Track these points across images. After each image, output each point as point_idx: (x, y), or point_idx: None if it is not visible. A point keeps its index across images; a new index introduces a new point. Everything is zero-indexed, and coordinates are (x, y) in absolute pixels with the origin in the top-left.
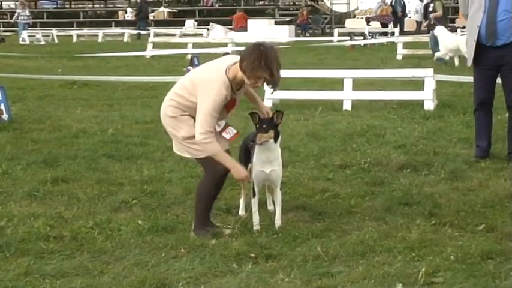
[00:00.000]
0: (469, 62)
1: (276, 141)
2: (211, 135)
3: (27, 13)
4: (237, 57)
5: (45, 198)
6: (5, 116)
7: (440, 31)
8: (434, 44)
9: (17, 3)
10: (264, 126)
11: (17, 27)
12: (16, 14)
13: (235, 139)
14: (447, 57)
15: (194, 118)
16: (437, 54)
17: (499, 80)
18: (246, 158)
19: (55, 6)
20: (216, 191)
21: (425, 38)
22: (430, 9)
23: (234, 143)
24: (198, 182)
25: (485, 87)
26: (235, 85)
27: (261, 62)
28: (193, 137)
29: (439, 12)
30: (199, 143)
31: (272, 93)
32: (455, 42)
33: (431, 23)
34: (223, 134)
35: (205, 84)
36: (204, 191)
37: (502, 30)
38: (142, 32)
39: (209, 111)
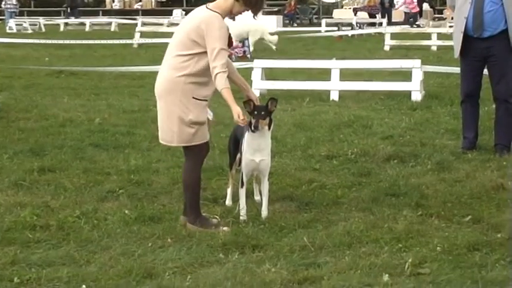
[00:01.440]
0: (456, 54)
1: (269, 128)
2: (226, 69)
3: (14, 2)
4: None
5: (31, 187)
6: None
7: None
8: None
9: None
10: (262, 112)
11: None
12: (3, 2)
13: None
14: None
15: (203, 99)
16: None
17: (485, 72)
18: (235, 147)
19: None
20: (200, 177)
21: (412, 29)
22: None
23: (221, 133)
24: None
25: (471, 78)
26: (223, 18)
27: None
28: (199, 122)
29: None
30: (218, 73)
31: (254, 17)
32: (237, 28)
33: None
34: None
35: (206, 29)
36: (193, 180)
37: (488, 22)
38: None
39: (220, 47)
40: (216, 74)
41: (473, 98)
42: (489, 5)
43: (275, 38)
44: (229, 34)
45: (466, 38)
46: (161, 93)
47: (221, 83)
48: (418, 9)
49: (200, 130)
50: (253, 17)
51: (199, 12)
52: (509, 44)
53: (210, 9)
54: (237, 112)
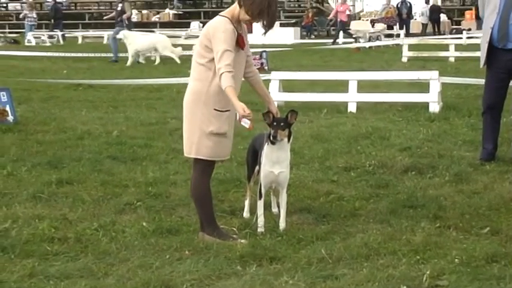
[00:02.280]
0: (482, 64)
1: (288, 141)
2: (232, 69)
3: (34, 15)
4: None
5: (49, 200)
6: (10, 118)
7: (126, 34)
8: (113, 42)
9: (23, 4)
10: (281, 124)
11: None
12: (23, 15)
13: (252, 129)
14: (140, 59)
15: (225, 110)
16: (130, 60)
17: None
18: (253, 159)
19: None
20: (210, 189)
21: (431, 40)
22: (119, 8)
23: (238, 145)
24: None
25: (495, 90)
26: (234, 22)
27: (267, 3)
28: (221, 134)
29: (129, 13)
30: (222, 72)
31: (264, 34)
32: (145, 42)
33: (125, 24)
34: (242, 122)
35: (212, 32)
36: (200, 193)
37: None
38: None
39: (224, 48)
40: (221, 73)
41: (495, 109)
42: None
43: (179, 50)
44: (241, 36)
45: (492, 48)
46: (185, 104)
47: (225, 81)
48: (346, 19)
49: (220, 144)
50: (264, 33)
51: (211, 22)
52: None
53: (221, 15)
54: (242, 107)
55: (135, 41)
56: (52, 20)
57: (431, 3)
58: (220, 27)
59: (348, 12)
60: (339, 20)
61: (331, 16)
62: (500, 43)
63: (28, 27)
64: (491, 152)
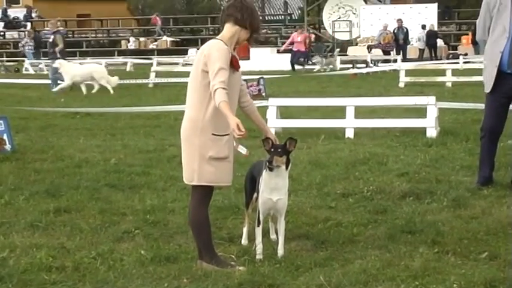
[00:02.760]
0: (488, 88)
1: (286, 168)
2: (226, 86)
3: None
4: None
5: (47, 228)
6: (7, 146)
7: (62, 63)
8: (53, 75)
9: (20, 33)
10: (279, 150)
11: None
12: (23, 43)
13: (248, 156)
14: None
15: (223, 135)
16: (60, 86)
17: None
18: (251, 186)
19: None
20: (208, 216)
21: (427, 66)
22: (50, 40)
23: (236, 172)
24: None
25: (497, 115)
26: (227, 44)
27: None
28: (221, 158)
29: (61, 46)
30: (216, 88)
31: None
32: (81, 71)
33: (58, 56)
34: (239, 149)
35: (208, 52)
36: (199, 220)
37: None
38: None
39: (219, 66)
40: (215, 89)
41: (494, 134)
42: None
43: (115, 79)
44: (235, 57)
45: (498, 73)
46: (183, 132)
47: (219, 97)
48: (304, 49)
49: (222, 169)
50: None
51: (204, 44)
52: None
53: (214, 38)
54: (235, 121)
55: (71, 70)
56: (34, 49)
57: (427, 28)
58: (214, 46)
59: (307, 41)
60: (295, 49)
61: (284, 47)
62: (511, 68)
63: (30, 55)
64: (489, 176)
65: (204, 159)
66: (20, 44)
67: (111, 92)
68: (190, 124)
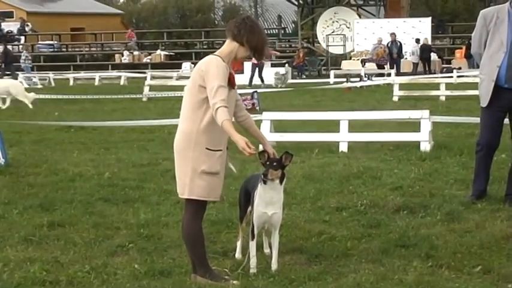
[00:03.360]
0: (485, 103)
1: (281, 182)
2: (227, 104)
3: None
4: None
5: (41, 242)
6: (1, 160)
7: None
8: None
9: (14, 47)
10: (274, 163)
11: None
12: (23, 57)
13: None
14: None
15: (217, 150)
16: None
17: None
18: (246, 200)
19: (52, 50)
20: (201, 230)
21: (421, 80)
22: None
23: (231, 186)
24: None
25: (493, 129)
26: (224, 60)
27: (259, 31)
28: (213, 173)
29: None
30: (218, 107)
31: (257, 60)
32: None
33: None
34: (230, 165)
35: (206, 69)
36: (192, 234)
37: None
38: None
39: (218, 84)
40: (217, 108)
41: (491, 148)
42: None
43: (32, 95)
44: (233, 75)
45: (495, 87)
46: (176, 145)
47: (221, 116)
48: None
49: (212, 184)
50: (257, 60)
51: (201, 63)
52: None
53: (212, 55)
54: (244, 140)
55: None
56: (3, 65)
57: (421, 42)
58: (212, 63)
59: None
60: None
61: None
62: (508, 82)
63: (28, 69)
64: (484, 189)
65: (196, 173)
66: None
67: (30, 106)
68: (184, 137)
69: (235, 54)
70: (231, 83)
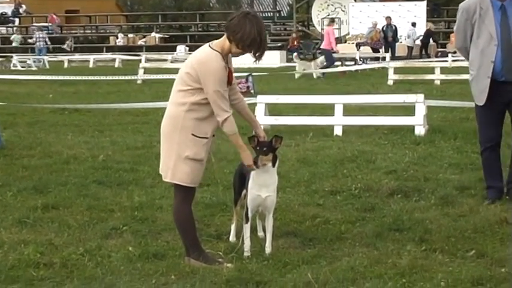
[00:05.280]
0: (482, 100)
1: (274, 165)
2: (230, 110)
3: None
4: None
5: (35, 225)
6: None
7: None
8: None
9: (8, 29)
10: (264, 149)
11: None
12: (36, 37)
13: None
14: None
15: (203, 137)
16: None
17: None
18: (240, 183)
19: (46, 32)
20: (192, 214)
21: (416, 63)
22: None
23: (224, 169)
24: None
25: (494, 124)
26: (224, 56)
27: (256, 32)
28: (196, 159)
29: None
30: (225, 118)
31: (255, 62)
32: None
33: None
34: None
35: (201, 67)
36: (182, 218)
37: None
38: None
39: (218, 90)
40: (223, 120)
41: (496, 144)
42: None
43: None
44: (231, 71)
45: (492, 82)
46: (163, 128)
47: (228, 129)
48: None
49: (195, 170)
50: (255, 61)
51: (199, 51)
52: None
53: (211, 48)
54: (249, 158)
55: None
56: None
57: (417, 26)
58: (209, 65)
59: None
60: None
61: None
62: (505, 76)
63: (43, 50)
64: (500, 188)
65: (181, 158)
66: (34, 39)
67: None
68: (171, 121)
69: (229, 50)
70: (228, 80)
